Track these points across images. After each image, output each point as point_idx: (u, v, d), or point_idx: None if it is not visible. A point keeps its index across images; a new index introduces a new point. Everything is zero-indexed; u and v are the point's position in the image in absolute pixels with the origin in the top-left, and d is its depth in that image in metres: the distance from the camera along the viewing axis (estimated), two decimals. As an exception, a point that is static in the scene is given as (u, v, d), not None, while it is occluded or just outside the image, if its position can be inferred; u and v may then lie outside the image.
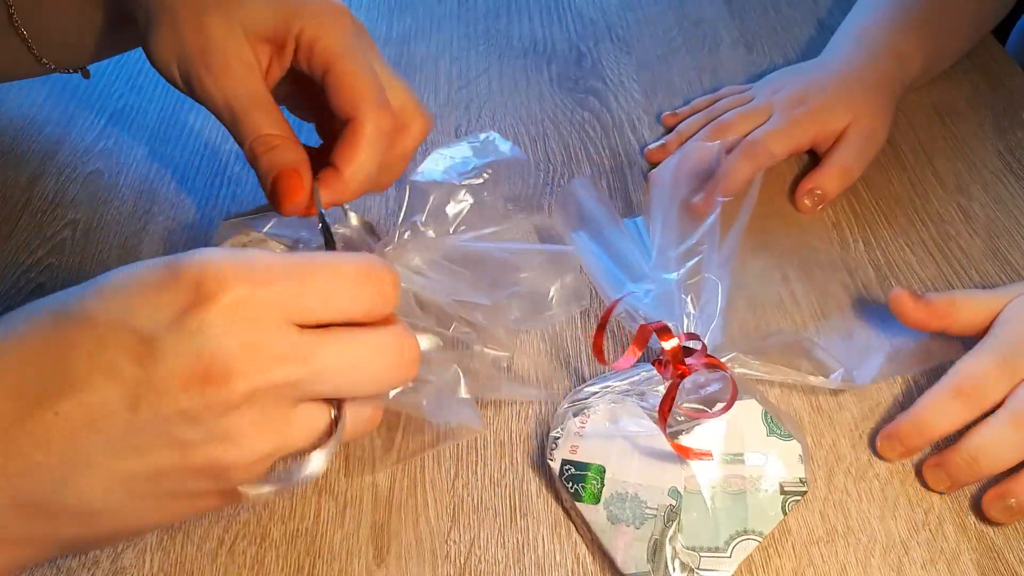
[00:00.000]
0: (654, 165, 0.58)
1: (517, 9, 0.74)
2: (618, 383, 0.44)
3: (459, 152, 0.46)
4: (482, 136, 0.47)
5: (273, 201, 0.39)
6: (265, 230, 0.43)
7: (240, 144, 0.40)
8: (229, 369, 0.27)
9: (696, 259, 0.44)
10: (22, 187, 0.57)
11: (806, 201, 0.55)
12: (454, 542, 0.41)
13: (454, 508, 0.42)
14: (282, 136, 0.39)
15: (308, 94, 0.43)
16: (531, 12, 0.74)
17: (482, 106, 0.64)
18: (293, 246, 0.43)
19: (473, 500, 0.42)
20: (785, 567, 0.40)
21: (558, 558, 0.40)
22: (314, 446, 0.30)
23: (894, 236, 0.54)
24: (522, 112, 0.63)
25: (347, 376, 0.30)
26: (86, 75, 0.53)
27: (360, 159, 0.39)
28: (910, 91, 0.63)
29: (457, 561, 0.40)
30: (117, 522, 0.29)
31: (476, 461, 0.43)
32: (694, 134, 0.59)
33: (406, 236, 0.43)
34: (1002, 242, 0.54)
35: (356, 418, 0.32)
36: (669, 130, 0.61)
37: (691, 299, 0.43)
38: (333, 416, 0.31)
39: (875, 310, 0.49)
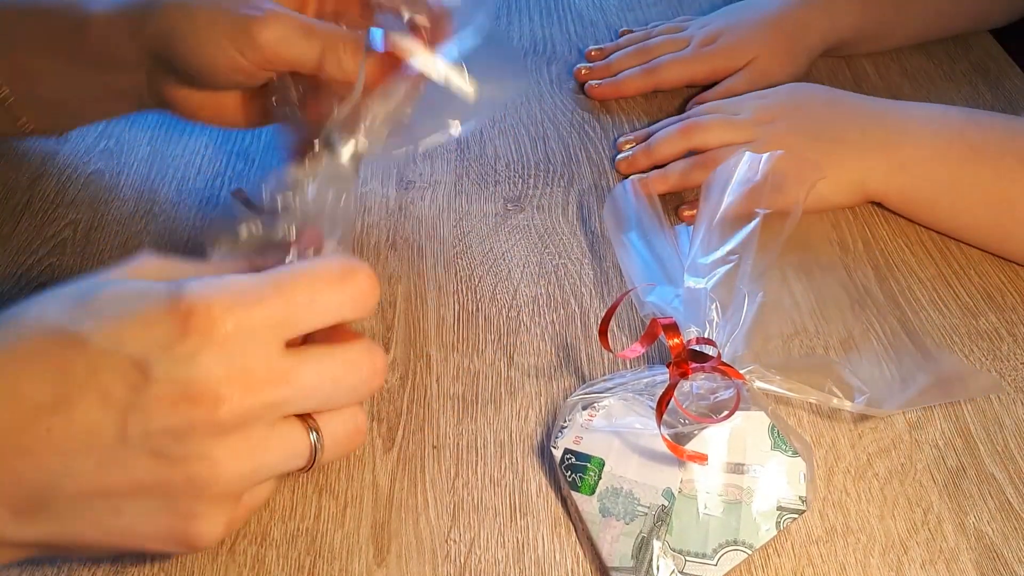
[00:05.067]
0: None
1: (517, 10, 0.74)
2: (633, 382, 0.44)
3: None
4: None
5: None
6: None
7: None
8: (218, 395, 0.28)
9: (727, 267, 0.44)
10: (23, 187, 0.57)
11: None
12: (454, 541, 0.41)
13: (454, 508, 0.42)
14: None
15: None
16: (531, 13, 0.74)
17: (482, 106, 0.64)
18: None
19: (473, 500, 0.42)
20: (784, 566, 0.40)
21: (558, 558, 0.40)
22: (290, 466, 0.32)
23: (893, 236, 0.54)
24: (522, 112, 0.63)
25: (326, 391, 0.32)
26: (60, 134, 0.53)
27: None
28: (851, 50, 0.66)
29: (457, 560, 0.40)
30: (95, 534, 0.30)
31: (476, 461, 0.44)
32: (631, 76, 0.63)
33: None
34: (1001, 242, 0.54)
35: (334, 436, 0.33)
36: (590, 62, 0.66)
37: (716, 307, 0.43)
38: (313, 441, 0.32)
39: (914, 342, 0.48)
